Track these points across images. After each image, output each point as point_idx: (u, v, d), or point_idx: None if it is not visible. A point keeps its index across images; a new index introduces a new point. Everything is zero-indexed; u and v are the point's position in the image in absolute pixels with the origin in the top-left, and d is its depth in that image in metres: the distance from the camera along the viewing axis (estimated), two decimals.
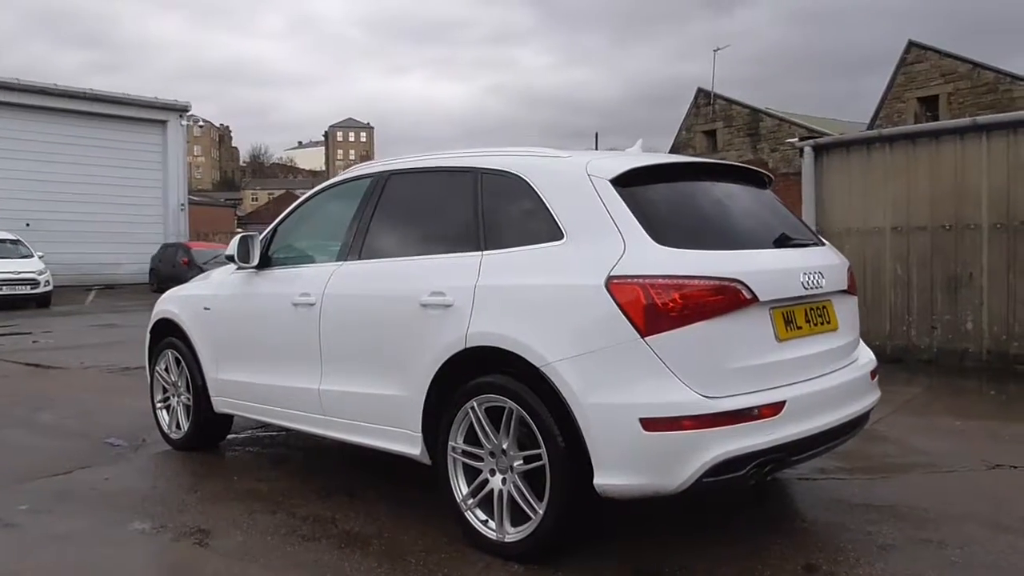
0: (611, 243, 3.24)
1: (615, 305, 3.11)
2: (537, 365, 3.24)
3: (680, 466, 3.03)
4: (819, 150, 9.89)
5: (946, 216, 8.68)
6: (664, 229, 3.27)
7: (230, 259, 4.82)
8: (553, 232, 3.43)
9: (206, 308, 5.15)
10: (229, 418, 5.40)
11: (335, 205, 4.74)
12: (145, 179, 25.16)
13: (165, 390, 5.62)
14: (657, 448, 3.04)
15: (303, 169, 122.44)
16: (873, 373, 3.88)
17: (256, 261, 4.76)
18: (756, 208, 3.83)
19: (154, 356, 5.69)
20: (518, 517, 3.40)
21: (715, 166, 3.86)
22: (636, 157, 3.70)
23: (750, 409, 3.10)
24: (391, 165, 4.42)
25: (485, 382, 3.47)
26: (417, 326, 3.74)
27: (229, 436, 5.65)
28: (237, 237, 4.80)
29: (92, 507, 4.30)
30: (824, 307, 3.65)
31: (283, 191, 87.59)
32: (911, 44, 20.37)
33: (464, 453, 3.60)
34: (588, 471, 3.16)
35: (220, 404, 5.12)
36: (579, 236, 3.35)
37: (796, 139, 10.66)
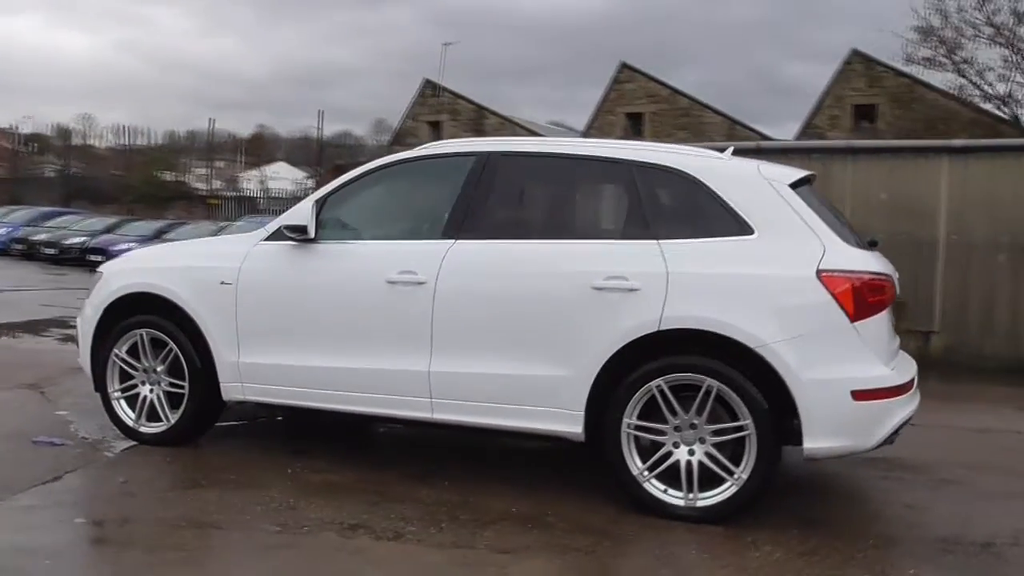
0: (808, 240, 3.74)
1: (828, 294, 3.62)
2: (752, 346, 3.62)
3: (877, 429, 3.65)
4: None
5: None
6: (835, 230, 3.85)
7: (295, 230, 4.34)
8: (739, 227, 3.81)
9: (224, 283, 4.54)
10: (221, 408, 4.81)
11: (415, 181, 4.55)
12: None
13: (128, 376, 4.81)
14: (863, 415, 3.62)
15: None
16: None
17: (313, 234, 4.37)
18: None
19: (109, 337, 4.82)
20: (707, 484, 3.74)
21: (810, 177, 4.50)
22: (791, 169, 4.17)
23: (904, 384, 3.82)
24: (496, 145, 4.38)
25: (679, 362, 3.75)
26: (588, 308, 3.85)
27: None
28: (307, 204, 4.35)
29: (161, 511, 3.71)
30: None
31: None
32: (623, 65, 23.19)
33: (638, 428, 3.82)
34: (784, 438, 3.64)
35: (236, 391, 4.55)
36: (771, 233, 3.78)
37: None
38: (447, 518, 3.71)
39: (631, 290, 3.81)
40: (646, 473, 3.81)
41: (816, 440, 3.61)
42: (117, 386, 4.83)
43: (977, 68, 16.98)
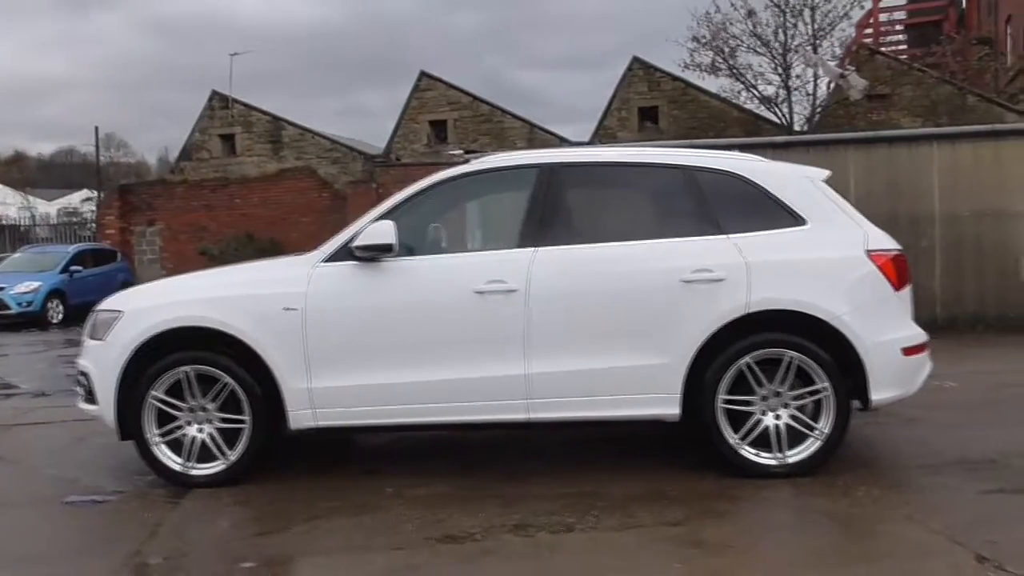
0: (851, 227, 4.45)
1: (877, 270, 4.35)
2: (827, 320, 4.26)
3: (919, 377, 4.45)
4: None
5: None
6: (864, 216, 4.61)
7: (377, 249, 4.32)
8: (793, 219, 4.43)
9: (289, 308, 4.41)
10: (277, 439, 4.65)
11: (476, 194, 4.73)
12: None
13: (169, 419, 4.50)
14: (910, 367, 4.40)
15: None
16: None
17: (397, 251, 4.40)
18: None
19: (141, 380, 4.46)
20: (793, 442, 4.33)
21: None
22: (818, 169, 4.82)
23: (929, 340, 4.65)
24: (555, 157, 4.67)
25: (765, 339, 4.29)
26: (679, 300, 4.29)
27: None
28: (384, 223, 4.34)
29: (319, 542, 3.64)
30: None
31: None
32: (423, 74, 23.47)
33: (728, 402, 4.33)
34: (852, 394, 4.33)
35: (307, 418, 4.43)
36: (820, 222, 4.44)
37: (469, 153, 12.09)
38: (589, 507, 3.97)
39: (717, 280, 4.30)
40: (740, 441, 4.32)
41: (880, 392, 4.33)
42: (155, 431, 4.50)
43: (752, 73, 19.43)
